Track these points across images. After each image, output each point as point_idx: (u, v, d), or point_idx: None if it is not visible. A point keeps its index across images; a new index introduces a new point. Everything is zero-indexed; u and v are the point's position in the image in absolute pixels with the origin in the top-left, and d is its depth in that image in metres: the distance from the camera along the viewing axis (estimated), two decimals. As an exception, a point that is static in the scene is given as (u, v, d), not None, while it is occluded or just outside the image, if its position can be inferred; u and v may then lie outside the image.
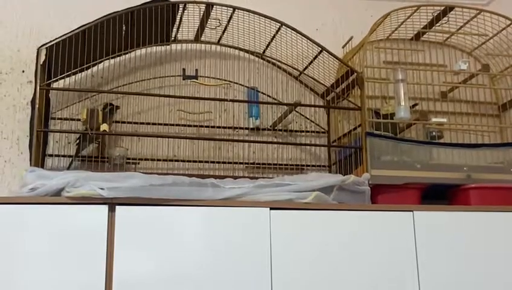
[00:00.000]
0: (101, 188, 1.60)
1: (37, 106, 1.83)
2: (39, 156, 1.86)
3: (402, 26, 2.19)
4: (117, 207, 1.62)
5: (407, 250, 1.74)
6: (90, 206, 1.61)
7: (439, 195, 1.99)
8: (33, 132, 1.83)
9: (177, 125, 2.14)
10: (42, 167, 1.90)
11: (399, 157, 1.94)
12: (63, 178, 1.62)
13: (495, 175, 1.96)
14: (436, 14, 2.15)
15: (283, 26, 2.05)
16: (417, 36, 2.28)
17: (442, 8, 2.14)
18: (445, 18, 2.17)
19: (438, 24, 2.19)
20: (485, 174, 1.95)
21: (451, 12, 2.15)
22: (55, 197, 1.63)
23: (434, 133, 2.08)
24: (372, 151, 1.92)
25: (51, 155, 2.01)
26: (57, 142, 2.04)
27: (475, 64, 2.35)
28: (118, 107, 2.04)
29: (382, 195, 1.89)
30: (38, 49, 1.86)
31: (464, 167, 1.95)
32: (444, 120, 2.08)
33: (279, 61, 2.23)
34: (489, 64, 2.25)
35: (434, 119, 2.07)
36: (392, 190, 1.90)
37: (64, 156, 2.02)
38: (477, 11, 2.17)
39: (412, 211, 1.77)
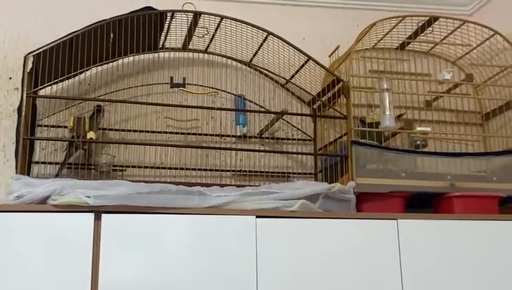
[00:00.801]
0: (87, 196, 1.60)
1: (23, 113, 1.83)
2: (25, 164, 1.86)
3: (387, 36, 2.22)
4: (103, 215, 1.62)
5: (391, 257, 1.75)
6: (76, 214, 1.61)
7: (423, 203, 2.01)
8: (19, 139, 1.83)
9: (164, 132, 2.15)
10: (28, 174, 1.90)
11: (384, 165, 1.96)
12: (49, 186, 1.62)
13: (478, 184, 1.98)
14: (420, 25, 2.18)
15: (270, 35, 2.06)
16: (402, 46, 2.31)
17: (427, 18, 2.17)
18: (430, 28, 2.20)
19: (422, 34, 2.22)
20: (469, 183, 1.97)
21: (436, 22, 2.18)
22: (41, 205, 1.63)
23: (418, 142, 2.10)
24: (357, 160, 1.93)
25: (37, 162, 2.00)
26: (43, 149, 2.04)
27: (459, 73, 2.38)
28: (103, 110, 2.03)
29: (367, 203, 1.91)
30: (25, 57, 1.86)
31: (448, 175, 1.98)
32: (428, 129, 2.11)
33: (266, 69, 2.25)
34: (473, 74, 2.28)
35: (418, 128, 2.09)
36: (377, 198, 1.92)
37: (50, 163, 2.02)
38: (461, 22, 2.20)
39: (396, 219, 1.79)
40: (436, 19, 2.17)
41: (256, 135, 2.22)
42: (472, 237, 1.83)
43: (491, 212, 1.94)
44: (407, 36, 2.25)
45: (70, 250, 1.59)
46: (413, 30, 2.22)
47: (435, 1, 2.47)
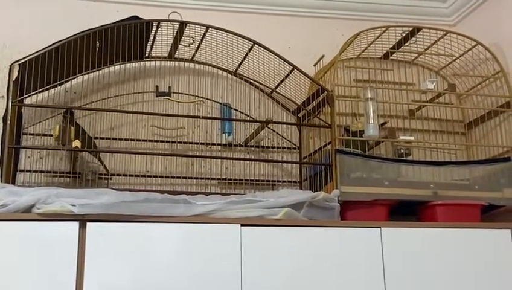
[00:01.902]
0: (72, 205, 1.60)
1: (8, 121, 1.83)
2: (10, 172, 1.86)
3: (372, 45, 2.25)
4: (88, 224, 1.62)
5: (374, 265, 1.77)
6: (61, 223, 1.61)
7: (407, 211, 2.03)
8: (4, 148, 1.83)
9: (150, 141, 2.15)
10: (14, 182, 1.90)
11: (368, 174, 1.98)
12: (34, 195, 1.62)
13: (461, 192, 2.00)
14: (404, 35, 2.21)
15: (256, 45, 2.08)
16: (386, 55, 2.34)
17: (411, 28, 2.20)
18: (414, 38, 2.23)
19: (406, 44, 2.25)
20: (451, 191, 1.99)
21: (419, 32, 2.21)
22: (26, 213, 1.62)
23: (402, 151, 2.12)
24: (342, 168, 1.95)
25: (22, 171, 2.00)
26: (29, 157, 2.04)
27: (442, 83, 2.41)
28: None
29: (351, 211, 1.93)
30: (11, 66, 1.86)
31: (431, 184, 2.00)
32: (412, 138, 2.13)
33: (252, 78, 2.26)
34: (455, 84, 2.31)
35: (402, 137, 2.12)
36: (361, 206, 1.93)
37: (36, 171, 2.01)
38: (444, 32, 2.23)
39: (379, 227, 1.81)
40: (419, 29, 2.21)
41: (241, 144, 2.23)
42: (454, 245, 1.86)
43: (473, 220, 1.97)
44: (391, 46, 2.27)
45: (55, 259, 1.58)
46: (397, 40, 2.24)
47: (418, 12, 2.50)
